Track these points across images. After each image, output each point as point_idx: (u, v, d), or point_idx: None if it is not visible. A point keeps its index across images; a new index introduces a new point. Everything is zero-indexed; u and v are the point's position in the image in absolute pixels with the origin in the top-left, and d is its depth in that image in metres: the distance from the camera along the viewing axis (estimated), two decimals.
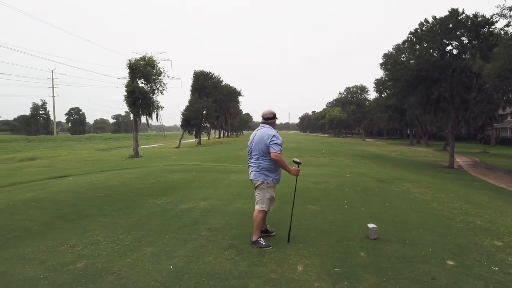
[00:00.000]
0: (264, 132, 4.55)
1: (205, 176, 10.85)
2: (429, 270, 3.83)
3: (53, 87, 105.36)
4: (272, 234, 4.99)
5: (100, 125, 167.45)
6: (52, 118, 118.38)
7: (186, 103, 54.59)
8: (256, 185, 4.61)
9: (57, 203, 6.90)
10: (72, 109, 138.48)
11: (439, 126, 50.22)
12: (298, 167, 4.65)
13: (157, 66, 33.63)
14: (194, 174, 11.27)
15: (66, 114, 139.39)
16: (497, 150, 43.65)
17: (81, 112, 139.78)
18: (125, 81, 32.66)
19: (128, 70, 32.13)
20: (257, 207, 4.62)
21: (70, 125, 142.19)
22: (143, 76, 32.49)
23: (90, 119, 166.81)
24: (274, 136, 4.45)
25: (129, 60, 32.34)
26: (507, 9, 19.46)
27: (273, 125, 4.68)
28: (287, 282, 3.50)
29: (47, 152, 43.05)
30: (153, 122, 36.01)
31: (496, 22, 26.27)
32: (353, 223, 5.75)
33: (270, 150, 4.41)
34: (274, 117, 4.70)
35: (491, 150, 42.11)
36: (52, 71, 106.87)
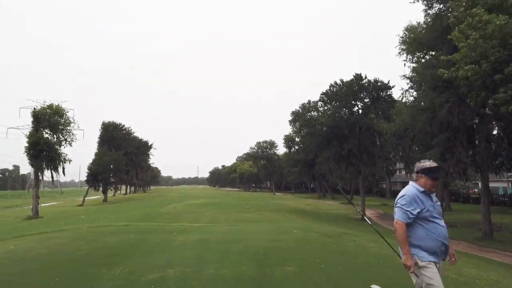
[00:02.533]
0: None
1: (147, 238, 9.76)
2: None
3: None
4: None
5: None
6: None
7: (87, 155, 50.82)
8: None
9: None
10: None
11: (345, 180, 54.15)
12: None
13: (65, 115, 30.97)
14: (132, 236, 10.07)
15: None
16: (393, 202, 48.18)
17: None
18: (16, 131, 29.21)
19: (31, 119, 28.94)
20: None
21: None
22: (49, 126, 29.51)
23: None
24: (402, 197, 3.47)
25: (34, 108, 29.27)
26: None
27: (422, 182, 3.46)
28: None
29: None
30: (59, 177, 32.21)
31: (393, 86, 30.42)
32: (345, 284, 5.53)
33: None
34: (419, 171, 3.52)
35: (388, 203, 46.39)
36: None
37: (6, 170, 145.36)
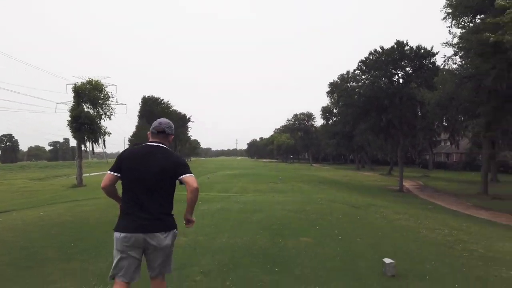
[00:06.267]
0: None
1: None
2: None
3: None
4: None
5: (35, 152, 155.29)
6: None
7: (131, 129, 52.55)
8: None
9: (3, 245, 5.66)
10: (3, 135, 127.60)
11: (384, 152, 52.56)
12: None
13: (104, 90, 31.76)
14: None
15: None
16: (436, 173, 46.38)
17: (13, 139, 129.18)
18: (65, 106, 30.21)
19: (73, 94, 30.00)
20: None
21: (0, 152, 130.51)
22: (89, 101, 30.46)
23: (24, 147, 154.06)
24: None
25: (74, 84, 30.26)
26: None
27: None
28: None
29: None
30: (99, 148, 33.55)
31: (437, 53, 28.40)
32: (358, 257, 5.23)
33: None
34: None
35: (430, 174, 44.62)
36: None
37: (57, 142, 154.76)
